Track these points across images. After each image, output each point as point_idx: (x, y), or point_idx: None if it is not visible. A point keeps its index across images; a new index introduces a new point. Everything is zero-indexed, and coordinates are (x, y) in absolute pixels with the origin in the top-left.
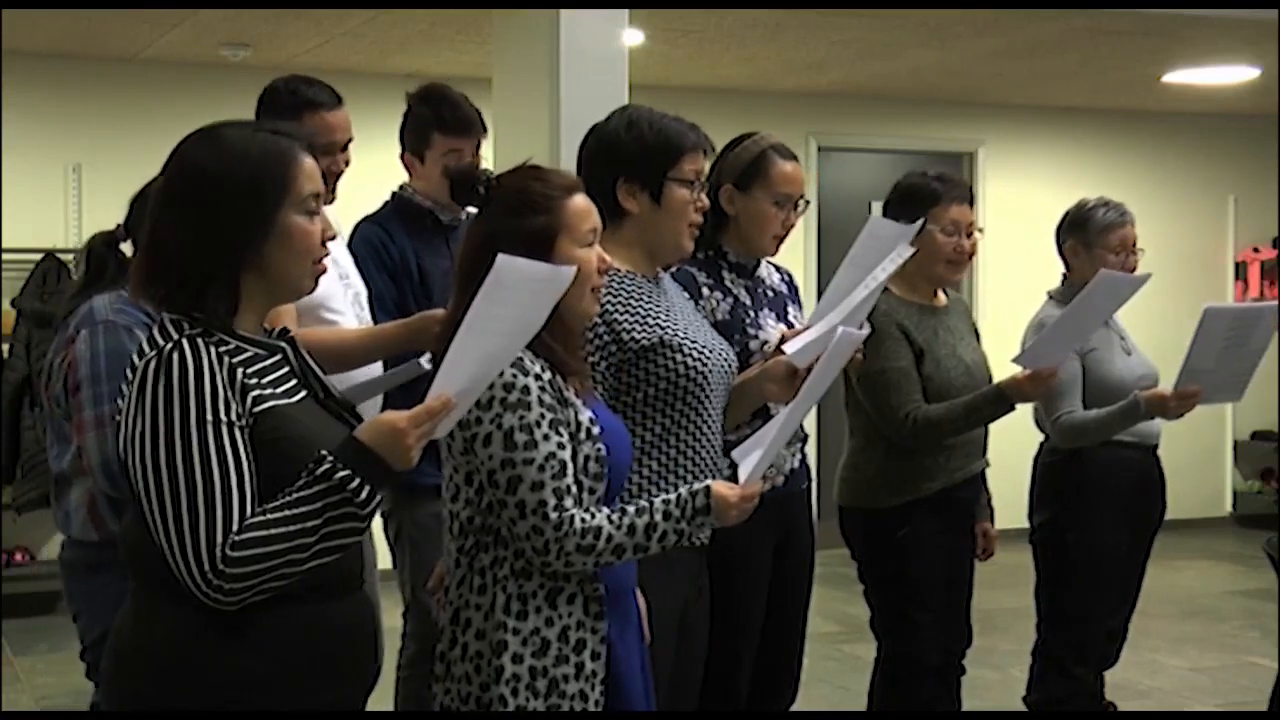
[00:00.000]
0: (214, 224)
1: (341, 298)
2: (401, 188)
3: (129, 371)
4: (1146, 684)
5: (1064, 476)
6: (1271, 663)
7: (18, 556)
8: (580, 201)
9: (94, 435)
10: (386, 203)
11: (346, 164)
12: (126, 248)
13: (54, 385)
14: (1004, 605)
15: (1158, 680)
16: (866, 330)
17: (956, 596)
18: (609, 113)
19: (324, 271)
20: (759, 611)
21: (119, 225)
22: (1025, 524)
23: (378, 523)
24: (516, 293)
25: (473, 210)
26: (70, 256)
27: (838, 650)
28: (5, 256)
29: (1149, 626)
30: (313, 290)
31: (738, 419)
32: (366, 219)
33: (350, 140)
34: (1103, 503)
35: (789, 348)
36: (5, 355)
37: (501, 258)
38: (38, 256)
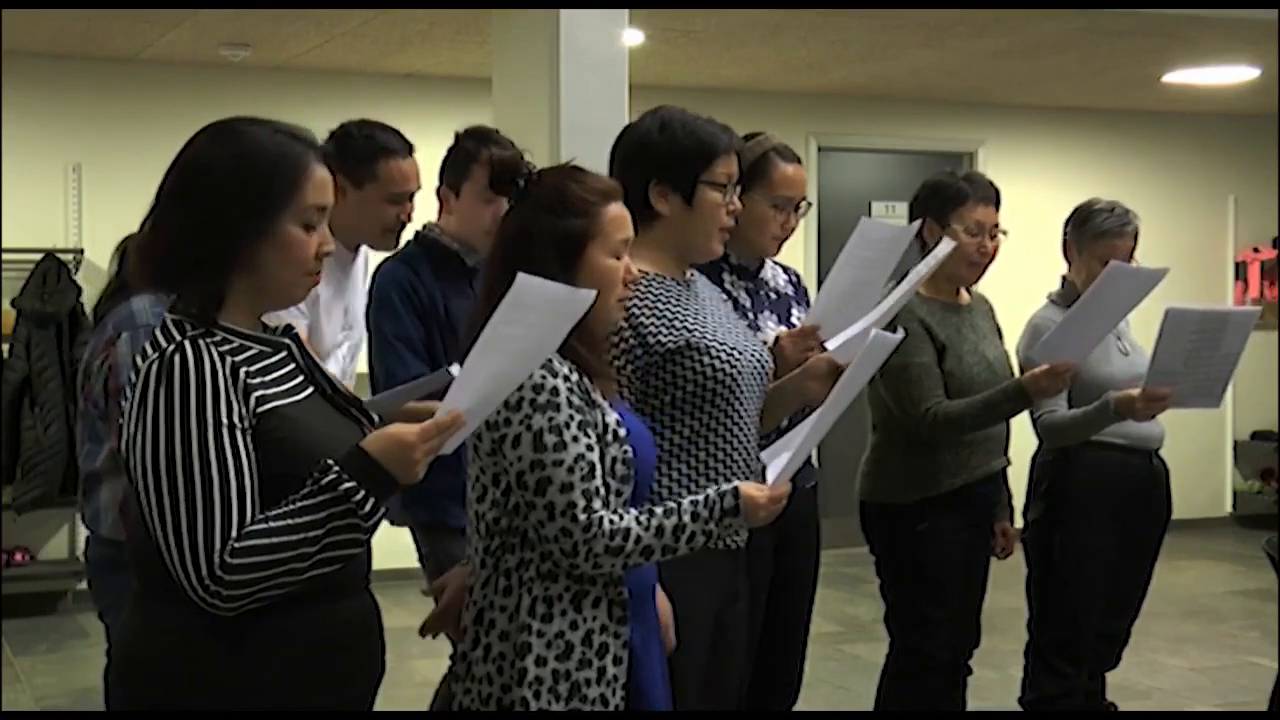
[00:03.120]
0: (209, 215)
1: (334, 353)
2: (426, 228)
3: (131, 374)
4: (1146, 684)
5: (1054, 477)
6: (1271, 663)
7: (18, 556)
8: (616, 210)
9: None
10: (409, 243)
11: (412, 213)
12: None
13: (93, 386)
14: (1004, 605)
15: (1158, 680)
16: (900, 334)
17: (970, 596)
18: (610, 113)
19: (317, 282)
20: (759, 610)
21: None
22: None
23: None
24: (534, 313)
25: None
26: (70, 256)
27: (838, 650)
28: (5, 256)
29: (1149, 626)
30: (303, 299)
31: (777, 420)
32: (391, 258)
33: (419, 189)
34: (1089, 505)
35: (831, 344)
36: (5, 355)
37: (521, 277)
38: (38, 256)
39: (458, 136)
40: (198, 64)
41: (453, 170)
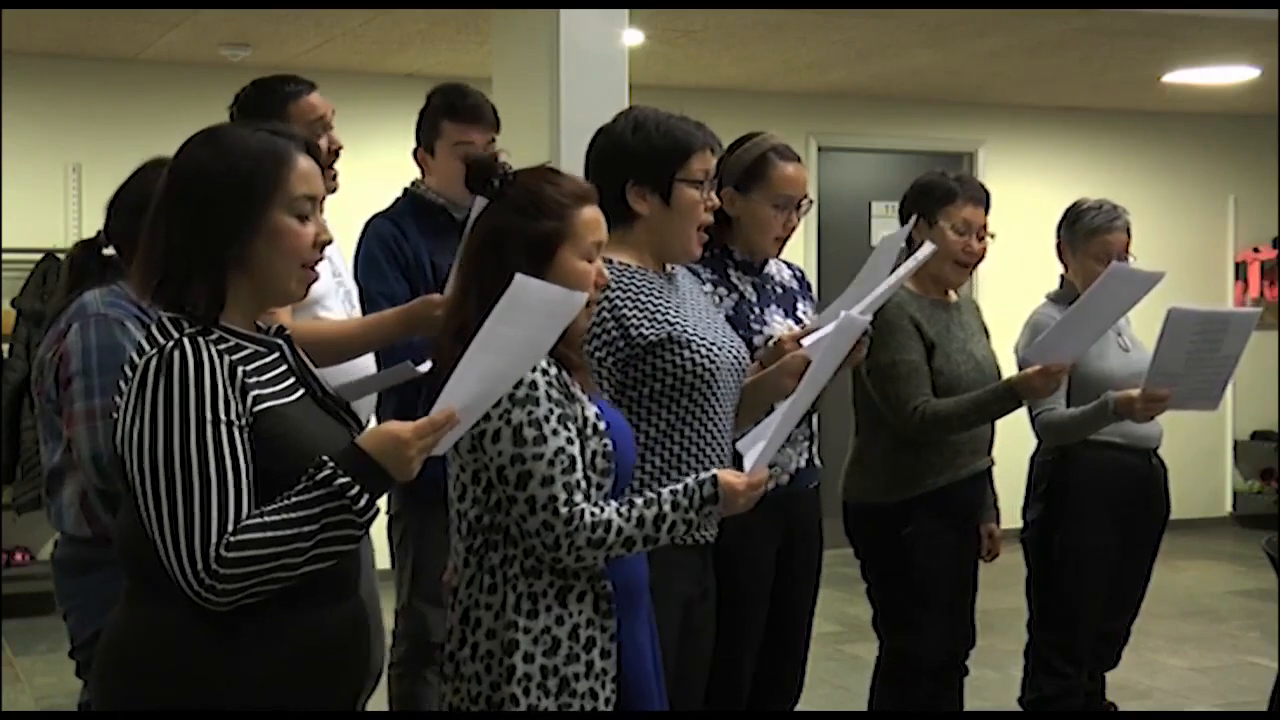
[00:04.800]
0: (200, 221)
1: (334, 296)
2: (413, 184)
3: (128, 369)
4: (1146, 684)
5: (1053, 476)
6: (1271, 663)
7: (18, 556)
8: (590, 213)
9: (84, 428)
10: (398, 199)
11: (338, 145)
12: (109, 253)
13: (45, 380)
14: (1004, 605)
15: (1158, 680)
16: (869, 318)
17: (960, 596)
18: (610, 113)
19: (315, 278)
20: (761, 610)
21: (99, 232)
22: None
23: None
24: (530, 314)
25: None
26: None
27: (838, 650)
28: (5, 256)
29: (1149, 626)
30: (303, 296)
31: (753, 416)
32: (379, 215)
33: (332, 115)
34: (1089, 504)
35: (806, 342)
36: (5, 355)
37: (519, 278)
38: (38, 256)
39: (428, 97)
40: (198, 64)
41: (426, 129)
